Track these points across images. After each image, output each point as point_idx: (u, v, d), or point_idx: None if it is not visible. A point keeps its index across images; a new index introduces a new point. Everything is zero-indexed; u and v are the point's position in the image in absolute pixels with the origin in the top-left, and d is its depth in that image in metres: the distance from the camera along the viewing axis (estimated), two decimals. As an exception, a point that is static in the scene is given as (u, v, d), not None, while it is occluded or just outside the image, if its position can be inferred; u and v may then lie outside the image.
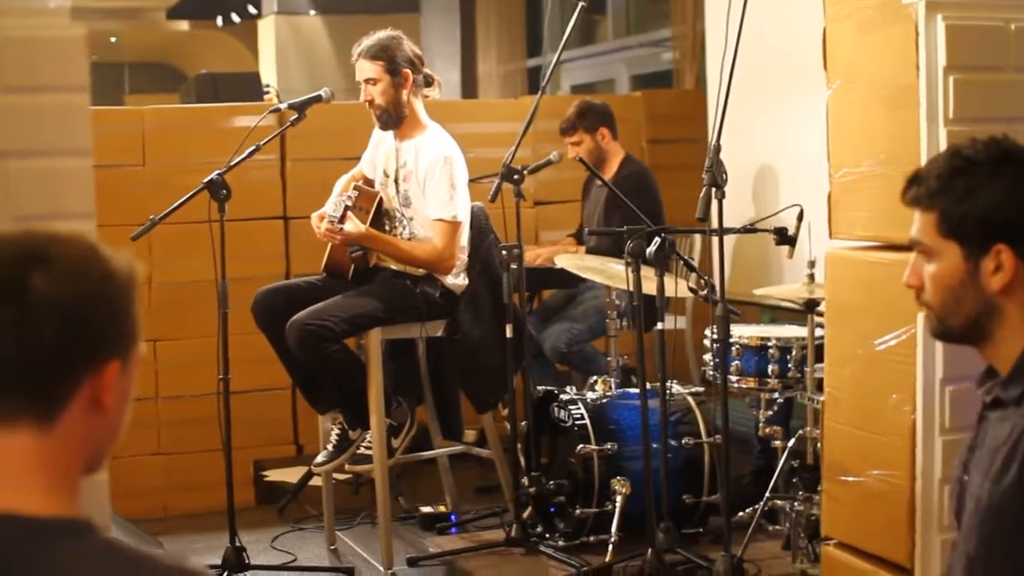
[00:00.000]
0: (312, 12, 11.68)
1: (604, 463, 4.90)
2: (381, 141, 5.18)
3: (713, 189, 4.31)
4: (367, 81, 4.92)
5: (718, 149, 4.39)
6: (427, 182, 4.90)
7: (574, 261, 5.44)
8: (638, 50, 8.84)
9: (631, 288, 4.56)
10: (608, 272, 5.23)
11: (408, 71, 4.92)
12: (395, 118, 4.96)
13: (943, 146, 2.88)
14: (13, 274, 1.61)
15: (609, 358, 5.37)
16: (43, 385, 1.61)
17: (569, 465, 5.02)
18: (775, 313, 5.87)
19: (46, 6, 2.47)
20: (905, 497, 2.97)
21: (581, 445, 4.88)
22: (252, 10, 12.18)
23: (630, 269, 4.55)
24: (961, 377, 2.92)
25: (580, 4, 5.35)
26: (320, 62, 11.42)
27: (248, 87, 6.76)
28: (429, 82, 5.09)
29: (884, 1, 2.99)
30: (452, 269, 4.94)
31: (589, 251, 6.15)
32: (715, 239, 4.34)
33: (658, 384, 5.19)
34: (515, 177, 5.19)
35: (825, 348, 3.25)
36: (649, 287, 5.37)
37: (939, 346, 2.91)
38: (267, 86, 7.16)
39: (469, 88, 10.49)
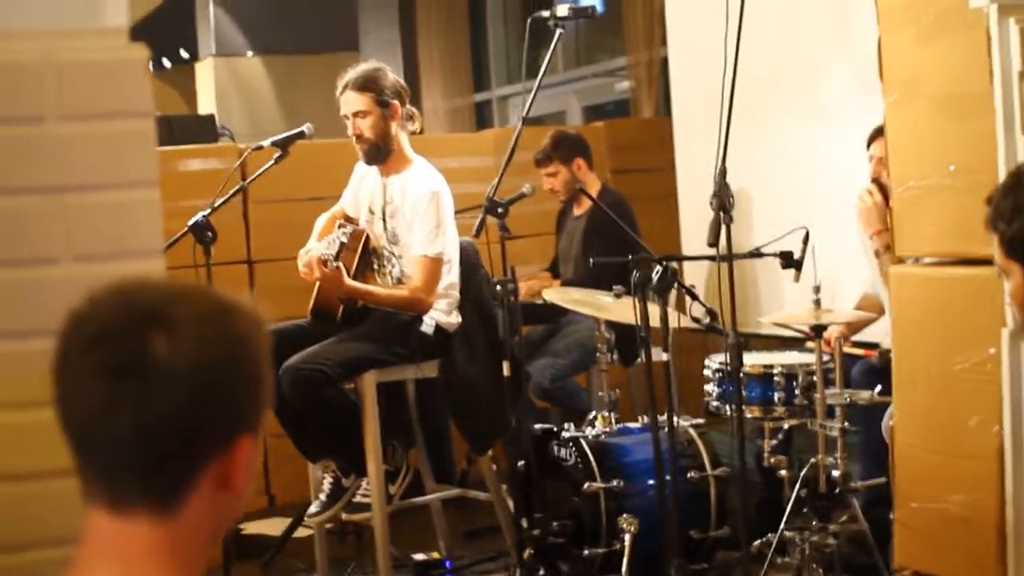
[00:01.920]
0: (250, 53, 11.43)
1: (610, 501, 4.70)
2: (364, 177, 4.97)
3: (722, 214, 4.19)
4: (356, 114, 4.71)
5: (724, 173, 4.25)
6: (414, 218, 4.70)
7: (561, 295, 5.26)
8: (590, 80, 8.70)
9: (638, 319, 4.38)
10: (597, 304, 5.05)
11: (397, 103, 4.73)
12: (383, 152, 4.75)
13: (1021, 153, 2.74)
14: (129, 339, 1.36)
15: (601, 393, 5.18)
16: (166, 469, 1.37)
17: (572, 504, 4.81)
18: (768, 342, 5.74)
19: (104, 26, 2.24)
20: (993, 523, 2.81)
21: (587, 483, 4.68)
22: (184, 54, 11.91)
23: (636, 299, 4.38)
24: (1049, 394, 2.79)
25: (558, 31, 5.19)
26: (261, 103, 11.12)
27: (203, 129, 6.52)
28: (410, 116, 4.90)
29: (947, 7, 2.85)
30: (431, 307, 4.73)
31: (565, 283, 5.97)
32: (724, 265, 4.19)
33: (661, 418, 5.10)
34: (499, 211, 5.00)
35: (893, 370, 3.09)
36: (628, 317, 5.23)
37: (1025, 362, 2.77)
38: (223, 128, 6.92)
39: (415, 125, 10.26)
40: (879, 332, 5.09)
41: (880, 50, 3.05)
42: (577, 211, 6.23)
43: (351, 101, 4.71)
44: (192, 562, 1.39)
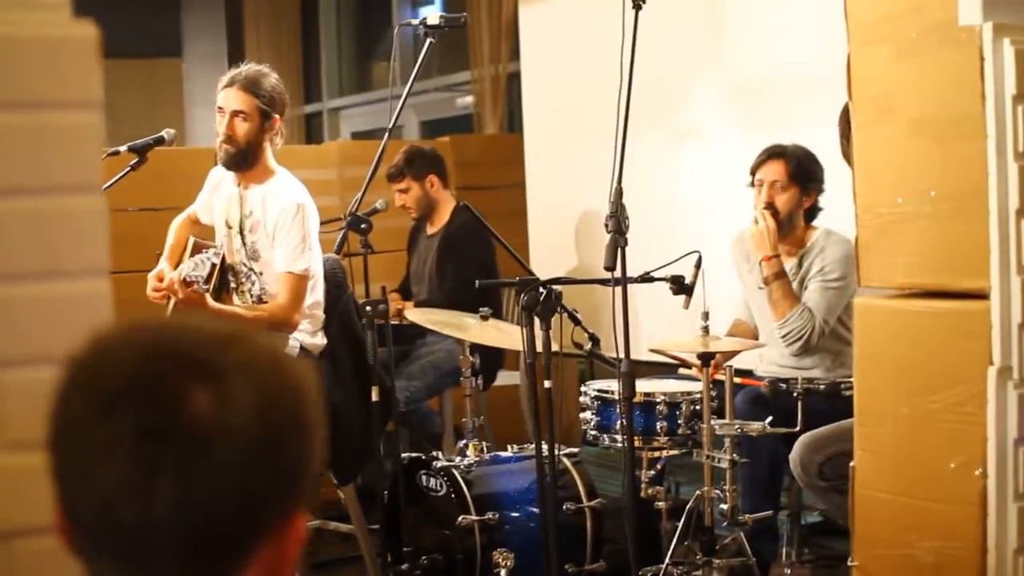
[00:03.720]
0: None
1: (484, 535, 4.39)
2: (218, 186, 4.55)
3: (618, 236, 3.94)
4: (234, 113, 4.29)
5: (620, 193, 3.99)
6: (277, 232, 4.32)
7: (425, 315, 4.94)
8: (431, 94, 8.38)
9: (524, 344, 4.09)
10: (462, 326, 4.75)
11: (277, 117, 4.35)
12: (247, 161, 4.35)
13: (1013, 181, 2.54)
14: (166, 394, 1.03)
15: (465, 419, 4.86)
16: (211, 560, 1.05)
17: (443, 538, 4.48)
18: (643, 368, 5.50)
19: (40, -5, 1.82)
20: (973, 571, 2.60)
21: (462, 516, 4.36)
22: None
23: (524, 323, 4.09)
24: (1036, 436, 2.60)
25: (428, 41, 4.88)
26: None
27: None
28: (280, 131, 4.52)
29: (932, 23, 2.63)
30: (298, 326, 4.37)
31: (420, 304, 5.65)
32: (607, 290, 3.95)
33: (529, 446, 4.83)
34: (362, 226, 4.67)
35: (856, 407, 2.86)
36: (495, 340, 4.95)
37: (1012, 403, 2.56)
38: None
39: (240, 136, 9.78)
40: (751, 360, 4.93)
41: (849, 67, 2.81)
42: (430, 230, 5.92)
43: (233, 98, 4.31)
44: None
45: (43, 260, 1.79)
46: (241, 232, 4.39)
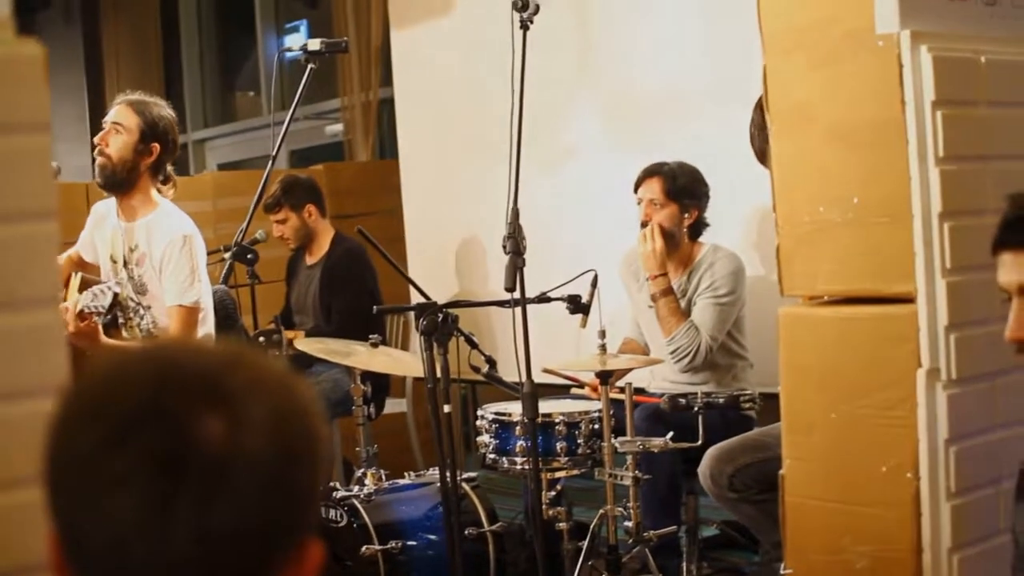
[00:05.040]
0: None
1: (388, 564, 4.29)
2: (101, 222, 4.38)
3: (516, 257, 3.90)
4: (114, 125, 4.13)
5: (516, 214, 3.94)
6: (164, 264, 4.16)
7: (314, 345, 4.83)
8: (300, 123, 8.22)
9: (425, 368, 4.02)
10: (352, 354, 4.66)
11: (157, 146, 4.18)
12: (118, 182, 4.17)
13: (935, 186, 2.56)
14: (176, 421, 0.96)
15: (358, 448, 4.76)
16: None
17: (345, 570, 4.37)
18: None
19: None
20: (908, 572, 2.60)
21: (365, 546, 4.25)
22: None
23: (424, 348, 4.02)
24: (965, 435, 2.62)
25: (310, 67, 4.81)
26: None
27: None
28: (168, 180, 4.34)
29: (848, 31, 2.64)
30: None
31: (308, 335, 5.53)
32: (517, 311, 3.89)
33: (426, 473, 4.76)
34: (248, 256, 4.57)
35: (783, 415, 2.84)
36: (386, 367, 4.88)
37: (942, 404, 2.58)
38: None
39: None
40: (643, 377, 4.92)
41: (765, 77, 2.81)
42: (310, 259, 5.80)
43: (116, 112, 4.15)
44: None
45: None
46: (127, 265, 4.24)
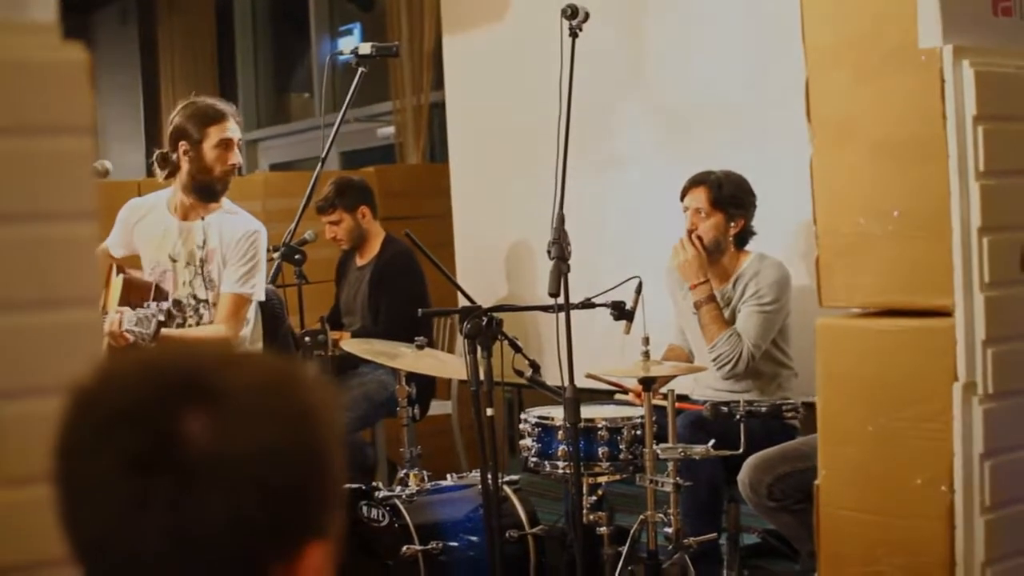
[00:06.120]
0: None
1: (428, 564, 4.34)
2: (142, 221, 4.44)
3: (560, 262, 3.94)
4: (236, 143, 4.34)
5: (562, 219, 3.99)
6: (230, 256, 4.25)
7: (360, 346, 4.90)
8: (351, 125, 8.30)
9: (469, 372, 4.06)
10: (398, 356, 4.72)
11: (184, 143, 4.30)
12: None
13: (975, 200, 2.58)
14: (157, 419, 0.98)
15: (402, 449, 4.82)
16: None
17: (384, 569, 4.42)
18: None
19: (29, 20, 1.76)
20: (940, 585, 2.62)
21: (405, 546, 4.31)
22: None
23: (467, 351, 4.07)
24: (1000, 450, 2.63)
25: (360, 70, 4.87)
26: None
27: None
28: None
29: (892, 47, 2.66)
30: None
31: (354, 335, 5.60)
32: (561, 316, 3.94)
33: (468, 475, 4.80)
34: (296, 257, 4.63)
35: (820, 427, 2.86)
36: (431, 369, 4.92)
37: (977, 418, 2.60)
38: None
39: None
40: (687, 384, 4.95)
41: (808, 91, 2.84)
42: (360, 261, 5.86)
43: (237, 129, 4.41)
44: None
45: (36, 289, 1.73)
46: (193, 263, 4.31)
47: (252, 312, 4.36)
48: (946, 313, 2.62)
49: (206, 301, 4.26)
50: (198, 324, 4.26)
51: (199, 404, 0.99)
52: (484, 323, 4.08)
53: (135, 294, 4.12)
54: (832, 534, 2.84)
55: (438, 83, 6.99)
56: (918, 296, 2.66)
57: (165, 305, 3.98)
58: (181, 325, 4.28)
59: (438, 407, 5.94)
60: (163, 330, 3.93)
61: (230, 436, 0.99)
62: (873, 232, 2.72)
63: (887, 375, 2.71)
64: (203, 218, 4.28)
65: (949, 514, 2.62)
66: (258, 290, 4.27)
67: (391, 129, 7.73)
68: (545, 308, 4.08)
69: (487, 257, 6.29)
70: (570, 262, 3.92)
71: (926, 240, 2.63)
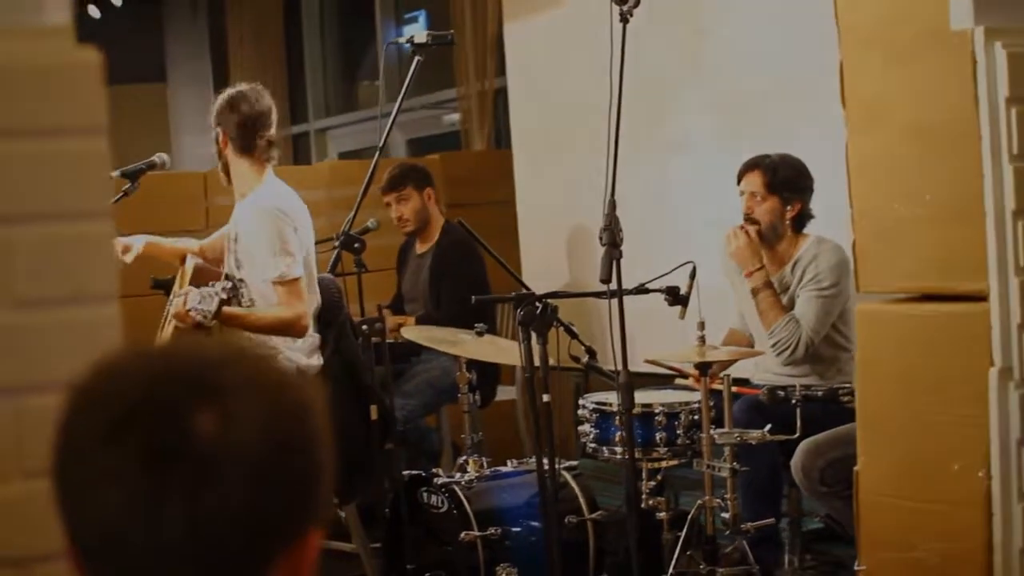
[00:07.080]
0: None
1: (487, 550, 4.39)
2: None
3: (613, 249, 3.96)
4: None
5: (613, 205, 4.00)
6: (252, 249, 4.31)
7: (421, 333, 4.95)
8: (416, 112, 8.38)
9: (522, 359, 4.09)
10: (458, 342, 4.76)
11: (220, 129, 4.37)
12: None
13: (1008, 183, 2.57)
14: (169, 416, 1.02)
15: (463, 435, 4.87)
16: None
17: (445, 554, 4.48)
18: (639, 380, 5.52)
19: (44, 24, 1.83)
20: (979, 571, 2.62)
21: (464, 532, 4.36)
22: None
23: (522, 338, 4.10)
24: (1038, 436, 2.62)
25: (416, 58, 4.91)
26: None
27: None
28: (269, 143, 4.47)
29: (924, 28, 2.65)
30: (305, 331, 4.33)
31: (417, 322, 5.66)
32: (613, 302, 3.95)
33: (528, 461, 4.83)
34: (355, 245, 4.67)
35: (858, 412, 2.87)
36: (491, 355, 4.96)
37: (1014, 404, 2.58)
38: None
39: (228, 159, 9.78)
40: (747, 368, 4.94)
41: (842, 73, 2.83)
42: (420, 248, 5.91)
43: None
44: None
45: (57, 286, 1.79)
46: (231, 244, 4.41)
47: (304, 285, 4.35)
48: (981, 297, 2.61)
49: (242, 280, 4.33)
50: (240, 303, 4.31)
51: (208, 399, 1.04)
52: (538, 310, 4.10)
53: (203, 278, 4.22)
54: (871, 520, 2.84)
55: (502, 69, 7.02)
56: (953, 281, 2.66)
57: (228, 284, 4.06)
58: (234, 301, 4.33)
59: (504, 393, 5.98)
60: (225, 308, 4.01)
61: (240, 429, 1.03)
62: (906, 216, 2.71)
63: (923, 360, 2.71)
64: (239, 200, 4.38)
65: (986, 500, 2.61)
66: (292, 267, 4.26)
67: (456, 116, 7.78)
68: (598, 295, 4.10)
69: (551, 243, 6.32)
70: (626, 248, 3.93)
71: (960, 224, 2.62)
